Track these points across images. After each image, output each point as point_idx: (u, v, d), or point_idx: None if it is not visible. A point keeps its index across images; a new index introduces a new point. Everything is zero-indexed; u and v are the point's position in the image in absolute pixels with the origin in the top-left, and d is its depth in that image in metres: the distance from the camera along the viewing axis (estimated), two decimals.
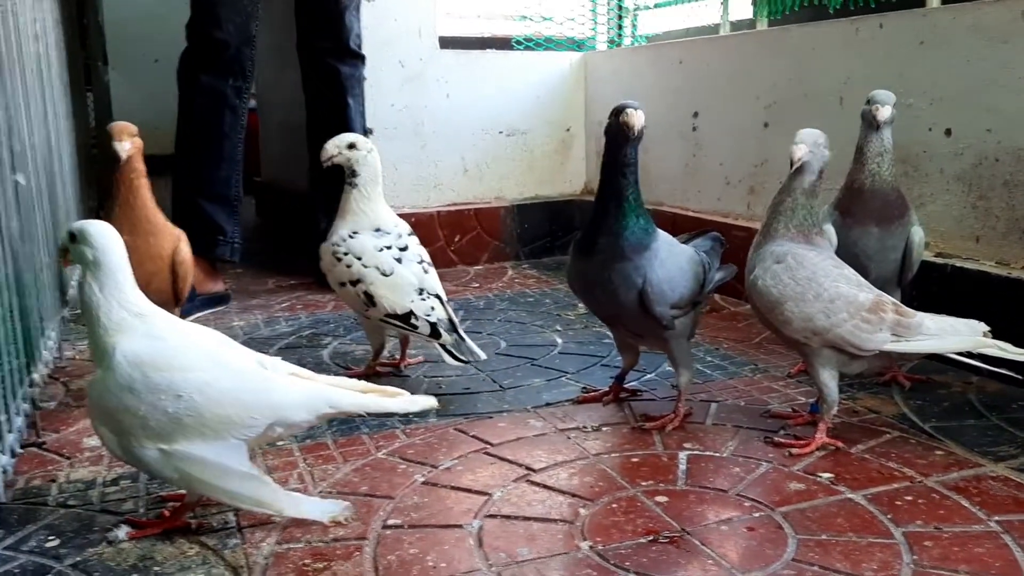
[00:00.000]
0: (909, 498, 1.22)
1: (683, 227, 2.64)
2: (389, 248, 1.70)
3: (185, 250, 1.69)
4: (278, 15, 2.81)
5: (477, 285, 2.70)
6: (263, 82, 3.45)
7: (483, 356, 1.67)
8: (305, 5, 2.60)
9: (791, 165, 1.40)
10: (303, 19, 2.61)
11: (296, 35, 2.64)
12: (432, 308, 1.66)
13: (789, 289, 1.36)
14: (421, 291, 1.67)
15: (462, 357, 1.64)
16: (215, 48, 2.38)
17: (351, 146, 1.74)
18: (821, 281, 1.37)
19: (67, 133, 2.53)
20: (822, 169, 1.40)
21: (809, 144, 1.40)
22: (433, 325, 1.64)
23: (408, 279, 1.67)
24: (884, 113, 1.57)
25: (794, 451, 1.38)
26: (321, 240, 1.77)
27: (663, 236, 1.48)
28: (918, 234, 1.62)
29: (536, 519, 1.18)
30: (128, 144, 1.62)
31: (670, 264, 1.45)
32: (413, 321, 1.64)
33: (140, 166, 1.65)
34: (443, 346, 1.64)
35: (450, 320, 1.68)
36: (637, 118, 1.39)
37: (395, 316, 1.65)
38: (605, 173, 1.45)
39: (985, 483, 1.26)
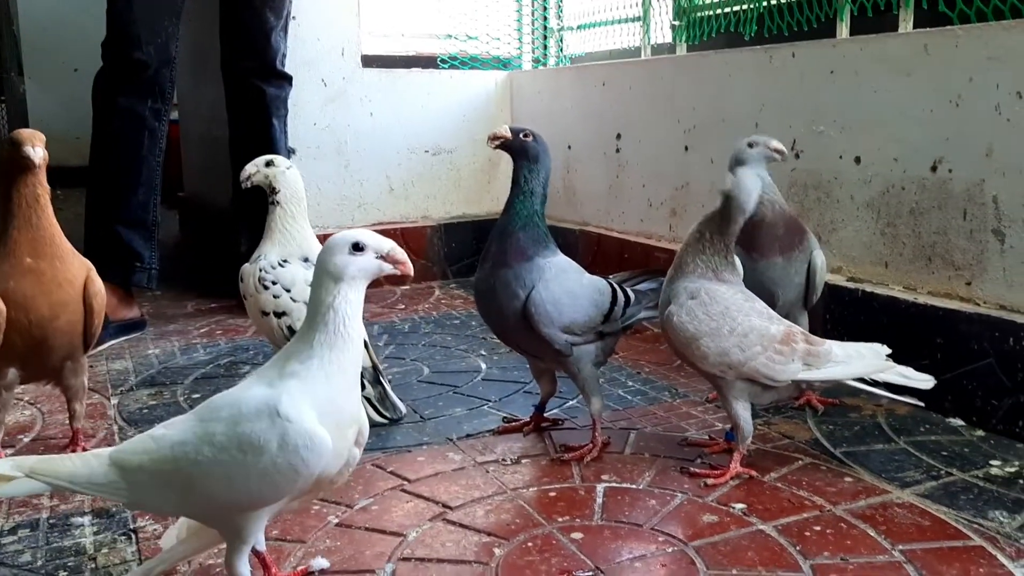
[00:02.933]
0: (818, 528, 1.25)
1: (608, 248, 2.68)
2: None
3: (99, 281, 1.47)
4: (199, 28, 2.75)
5: (403, 307, 2.68)
6: (184, 93, 3.37)
7: (404, 411, 1.67)
8: (230, 25, 2.55)
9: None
10: (228, 39, 2.56)
11: (220, 54, 2.59)
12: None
13: (704, 325, 1.38)
14: None
15: (385, 413, 1.62)
16: (134, 69, 2.31)
17: (269, 163, 1.72)
18: (735, 315, 1.39)
19: None
20: (745, 213, 1.41)
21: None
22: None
23: None
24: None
25: (709, 481, 1.39)
26: (243, 261, 1.72)
27: (559, 258, 1.48)
28: (820, 258, 1.66)
29: (450, 561, 1.17)
30: (42, 150, 1.40)
31: (555, 285, 1.44)
32: None
33: (45, 181, 1.42)
34: (367, 399, 1.61)
35: (374, 368, 1.65)
36: (499, 129, 1.47)
37: None
38: (510, 189, 1.50)
39: (891, 510, 1.30)
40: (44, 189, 1.42)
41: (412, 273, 1.05)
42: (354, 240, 1.01)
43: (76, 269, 1.45)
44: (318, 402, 0.98)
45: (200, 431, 0.98)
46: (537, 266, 1.44)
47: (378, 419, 1.62)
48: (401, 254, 1.03)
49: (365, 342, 1.65)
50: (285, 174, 1.71)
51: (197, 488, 0.97)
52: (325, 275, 1.01)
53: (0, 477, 0.97)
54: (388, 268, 1.03)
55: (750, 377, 1.39)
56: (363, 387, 1.60)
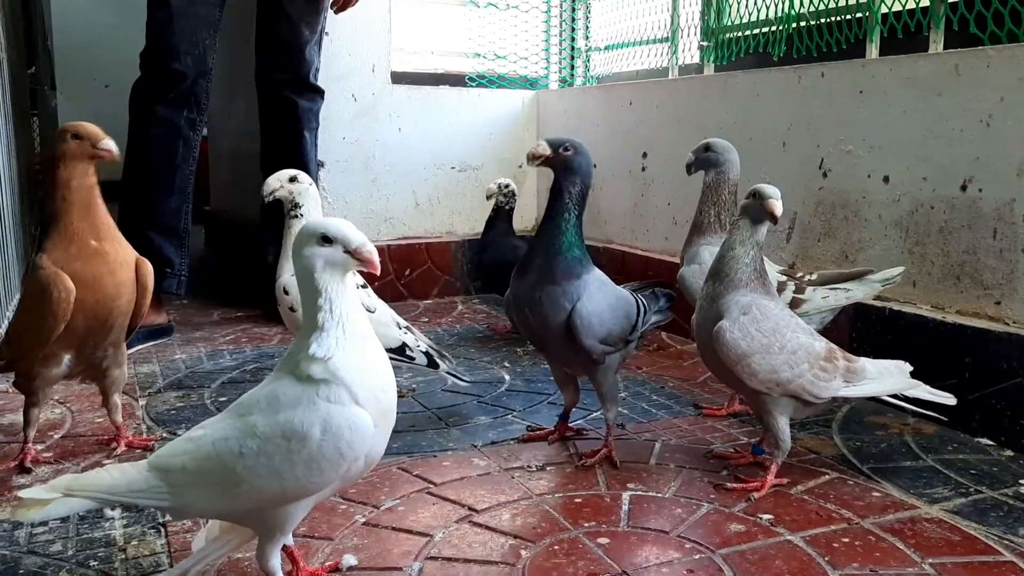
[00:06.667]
0: (846, 540, 1.24)
1: (632, 265, 2.68)
2: (364, 286, 1.73)
3: (148, 262, 1.53)
4: (232, 44, 2.80)
5: (427, 320, 2.69)
6: (215, 109, 3.41)
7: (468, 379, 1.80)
8: (265, 37, 2.59)
9: (773, 221, 1.38)
10: (263, 51, 2.60)
11: (255, 67, 2.63)
12: (417, 343, 1.71)
13: (756, 342, 1.37)
14: (397, 324, 1.72)
15: (465, 378, 1.75)
16: (171, 79, 2.35)
17: (292, 179, 1.76)
18: (784, 332, 1.39)
19: (10, 159, 2.47)
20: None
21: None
22: (427, 354, 1.69)
23: (390, 312, 1.73)
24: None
25: (755, 496, 1.37)
26: (269, 274, 1.75)
27: (597, 273, 1.51)
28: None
29: (477, 561, 1.17)
30: (112, 142, 1.46)
31: (599, 299, 1.47)
32: (409, 353, 1.68)
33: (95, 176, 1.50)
34: (449, 373, 1.73)
35: (430, 346, 1.74)
36: (537, 147, 1.47)
37: (388, 351, 1.64)
38: (550, 201, 1.50)
39: (920, 525, 1.29)
40: (94, 181, 1.47)
41: (379, 272, 1.01)
42: (322, 232, 0.99)
43: (129, 251, 1.51)
44: (352, 381, 0.98)
45: (240, 425, 0.98)
46: (583, 282, 1.46)
47: (462, 384, 1.76)
48: (368, 252, 0.99)
49: (409, 328, 1.74)
50: (308, 190, 1.75)
51: (244, 482, 0.96)
52: (301, 267, 1.00)
53: (36, 501, 0.96)
54: (354, 265, 1.00)
55: (795, 394, 1.39)
56: (436, 365, 1.71)
